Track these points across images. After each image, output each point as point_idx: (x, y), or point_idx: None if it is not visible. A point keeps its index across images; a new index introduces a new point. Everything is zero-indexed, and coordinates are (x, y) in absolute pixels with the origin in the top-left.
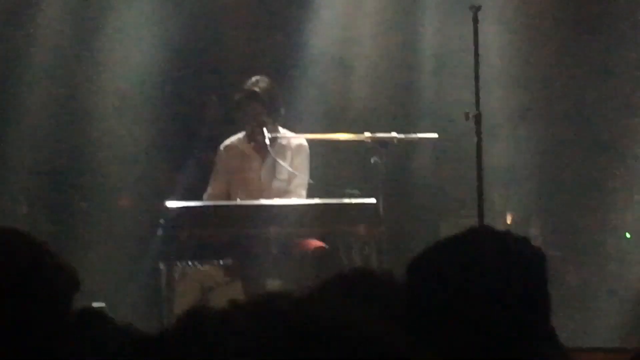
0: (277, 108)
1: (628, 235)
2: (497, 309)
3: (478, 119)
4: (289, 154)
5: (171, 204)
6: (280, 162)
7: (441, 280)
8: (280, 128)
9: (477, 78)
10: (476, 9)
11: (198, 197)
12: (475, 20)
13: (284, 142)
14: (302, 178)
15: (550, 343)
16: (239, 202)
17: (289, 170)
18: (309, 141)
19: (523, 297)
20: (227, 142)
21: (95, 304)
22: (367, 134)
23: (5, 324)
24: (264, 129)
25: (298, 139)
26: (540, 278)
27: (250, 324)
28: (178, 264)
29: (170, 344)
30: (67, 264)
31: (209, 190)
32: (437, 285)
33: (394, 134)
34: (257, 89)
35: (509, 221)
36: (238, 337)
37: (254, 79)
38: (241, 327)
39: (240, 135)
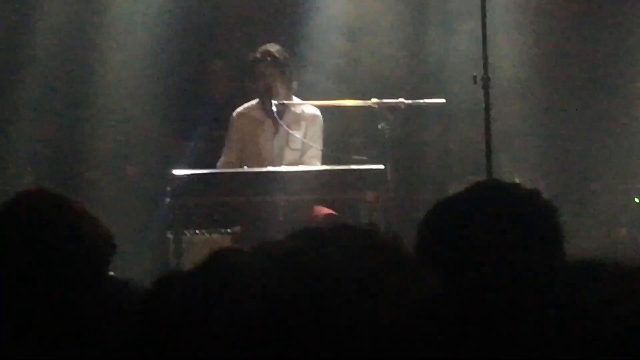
0: (289, 73)
1: (637, 200)
2: (510, 260)
3: (486, 83)
4: (303, 123)
5: (178, 171)
6: (294, 132)
7: (454, 234)
8: (294, 98)
9: (484, 41)
10: None
11: (206, 165)
12: None
13: (297, 110)
14: (316, 149)
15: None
16: (246, 169)
17: (302, 140)
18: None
19: (537, 247)
20: (240, 109)
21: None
22: (374, 100)
23: (43, 286)
24: (272, 97)
25: (312, 109)
26: (553, 229)
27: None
28: (186, 232)
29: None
30: (105, 228)
31: (223, 158)
32: (450, 239)
33: (401, 100)
34: (271, 50)
35: None
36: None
37: (266, 45)
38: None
39: (254, 102)
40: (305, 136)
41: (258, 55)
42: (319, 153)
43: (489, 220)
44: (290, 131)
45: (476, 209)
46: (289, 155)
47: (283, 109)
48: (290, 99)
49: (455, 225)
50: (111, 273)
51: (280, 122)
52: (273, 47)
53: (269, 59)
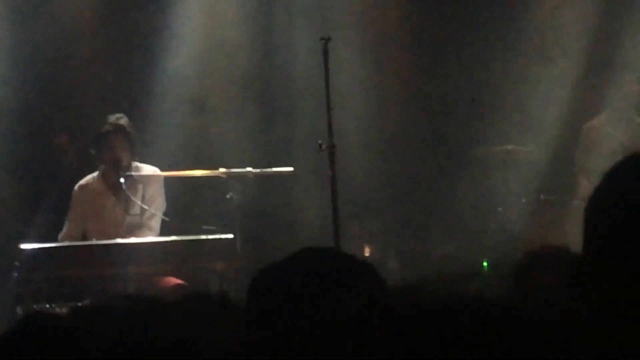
0: (136, 144)
1: (485, 263)
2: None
3: (331, 151)
4: (140, 186)
5: (26, 246)
6: (132, 197)
7: (275, 298)
8: (133, 163)
9: (329, 110)
10: (326, 41)
11: (54, 239)
12: (326, 53)
13: (135, 175)
14: (155, 208)
15: None
16: (94, 242)
17: (140, 205)
18: (166, 178)
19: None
20: (82, 182)
21: None
22: (222, 170)
23: None
24: (119, 169)
25: (149, 169)
26: (369, 290)
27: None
28: (35, 307)
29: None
30: None
31: (64, 230)
32: (271, 303)
33: (249, 169)
34: (122, 123)
35: (367, 253)
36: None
37: (115, 115)
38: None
39: (95, 174)
40: (144, 197)
41: (109, 127)
42: (158, 212)
43: (307, 283)
44: (131, 197)
45: (295, 273)
46: (129, 222)
47: (125, 177)
48: (131, 167)
49: (277, 288)
50: None
51: (123, 190)
52: (123, 120)
53: (120, 131)
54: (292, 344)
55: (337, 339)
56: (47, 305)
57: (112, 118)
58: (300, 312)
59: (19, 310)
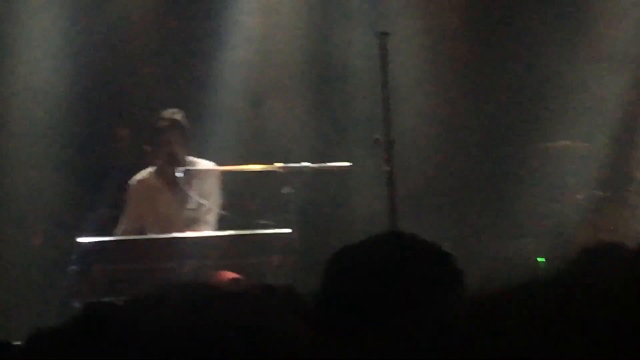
0: (190, 140)
1: (541, 259)
2: (405, 308)
3: (389, 146)
4: (195, 181)
5: (82, 239)
6: (188, 192)
7: (352, 279)
8: (188, 158)
9: (386, 105)
10: (384, 35)
11: (112, 232)
12: (384, 48)
13: (191, 169)
14: (211, 203)
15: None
16: (150, 235)
17: (196, 199)
18: (222, 173)
19: (433, 293)
20: (138, 177)
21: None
22: (279, 164)
23: None
24: (174, 164)
25: (205, 164)
26: (443, 275)
27: (152, 315)
28: (91, 300)
29: (71, 337)
30: None
31: (121, 226)
32: (349, 283)
33: (306, 164)
34: (178, 118)
35: None
36: (141, 328)
37: (170, 110)
38: (144, 319)
39: (151, 169)
40: (200, 192)
41: (165, 123)
42: (214, 207)
43: (387, 267)
44: (187, 192)
45: (377, 255)
46: (186, 216)
47: (182, 172)
48: (186, 161)
49: (356, 269)
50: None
51: (178, 185)
52: (178, 115)
53: (176, 127)
54: (365, 327)
55: (412, 325)
56: (104, 299)
57: (167, 113)
58: (375, 295)
59: (76, 304)
